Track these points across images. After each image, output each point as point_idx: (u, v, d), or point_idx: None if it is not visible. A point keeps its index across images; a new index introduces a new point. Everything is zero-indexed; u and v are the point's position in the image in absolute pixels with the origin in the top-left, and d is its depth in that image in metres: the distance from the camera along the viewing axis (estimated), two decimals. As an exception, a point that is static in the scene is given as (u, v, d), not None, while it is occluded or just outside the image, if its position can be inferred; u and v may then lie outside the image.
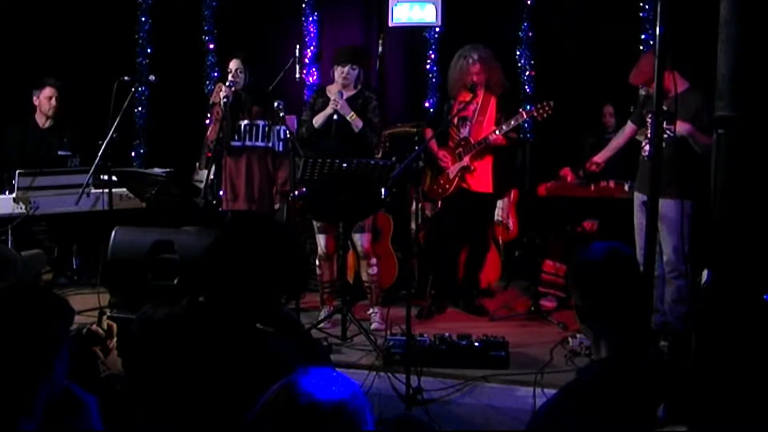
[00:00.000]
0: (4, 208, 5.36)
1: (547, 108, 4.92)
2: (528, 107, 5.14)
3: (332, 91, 4.91)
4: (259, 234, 2.11)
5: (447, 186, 5.16)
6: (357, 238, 4.89)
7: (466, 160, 5.07)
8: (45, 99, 5.94)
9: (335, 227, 4.85)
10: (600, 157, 4.93)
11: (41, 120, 6.00)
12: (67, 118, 6.09)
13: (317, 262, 5.03)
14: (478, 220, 5.27)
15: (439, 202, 5.43)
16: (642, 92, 4.83)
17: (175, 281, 4.15)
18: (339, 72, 4.90)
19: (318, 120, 4.90)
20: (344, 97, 4.84)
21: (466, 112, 5.10)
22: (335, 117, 4.82)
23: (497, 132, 4.96)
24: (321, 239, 4.95)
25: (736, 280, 3.22)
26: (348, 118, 4.80)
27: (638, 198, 4.61)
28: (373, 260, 4.98)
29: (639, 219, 4.56)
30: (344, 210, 4.55)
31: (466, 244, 5.34)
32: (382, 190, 4.86)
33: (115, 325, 2.32)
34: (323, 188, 4.53)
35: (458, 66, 5.10)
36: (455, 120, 5.14)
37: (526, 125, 6.24)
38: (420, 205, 5.23)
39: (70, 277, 5.90)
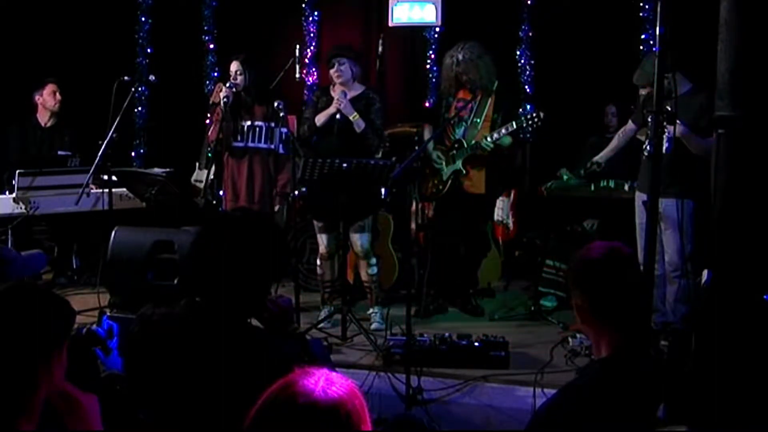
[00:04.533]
0: (4, 208, 5.35)
1: (536, 120, 4.85)
2: (521, 116, 5.07)
3: (336, 91, 4.91)
4: (238, 227, 2.12)
5: (441, 187, 5.14)
6: (357, 238, 4.88)
7: (459, 164, 5.05)
8: (49, 95, 5.93)
9: (336, 227, 4.84)
10: (601, 157, 4.94)
11: (44, 119, 5.99)
12: (67, 117, 6.09)
13: (318, 262, 5.03)
14: (472, 220, 5.25)
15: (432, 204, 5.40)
16: (643, 92, 4.83)
17: (175, 281, 4.15)
18: (331, 74, 4.91)
19: (320, 119, 4.90)
20: (348, 97, 4.84)
21: (464, 112, 5.08)
22: (338, 117, 4.82)
23: (488, 139, 4.92)
24: (322, 239, 4.94)
25: (736, 280, 3.22)
26: (351, 118, 4.79)
27: (640, 197, 4.61)
28: (373, 260, 4.97)
29: (640, 218, 4.55)
30: (344, 210, 4.55)
31: (462, 244, 5.33)
32: (382, 190, 4.86)
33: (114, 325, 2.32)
34: (323, 188, 4.53)
35: (446, 65, 5.08)
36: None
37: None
38: (421, 205, 5.23)
39: (70, 277, 5.88)
